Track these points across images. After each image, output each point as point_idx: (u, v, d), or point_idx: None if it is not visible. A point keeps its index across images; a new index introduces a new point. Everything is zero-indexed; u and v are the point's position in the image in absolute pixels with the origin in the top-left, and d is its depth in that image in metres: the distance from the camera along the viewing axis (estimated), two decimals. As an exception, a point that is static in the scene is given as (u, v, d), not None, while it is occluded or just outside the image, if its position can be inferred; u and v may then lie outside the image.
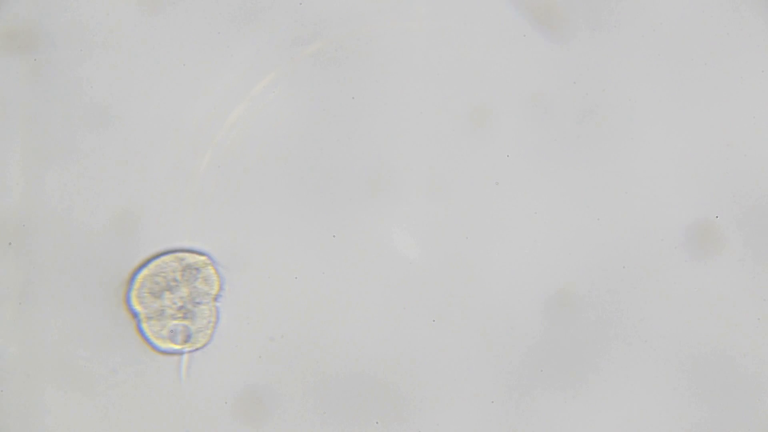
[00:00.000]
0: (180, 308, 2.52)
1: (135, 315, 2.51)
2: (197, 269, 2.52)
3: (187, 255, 2.52)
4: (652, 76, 2.59)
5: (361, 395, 2.57)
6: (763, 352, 2.55)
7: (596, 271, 2.57)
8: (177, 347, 2.51)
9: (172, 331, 2.48)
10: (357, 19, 2.61)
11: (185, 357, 2.48)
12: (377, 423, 2.56)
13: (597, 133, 2.60)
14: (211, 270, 2.53)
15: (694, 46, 2.59)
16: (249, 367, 2.57)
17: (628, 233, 2.58)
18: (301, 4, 2.62)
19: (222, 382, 2.56)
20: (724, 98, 2.59)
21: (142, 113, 2.60)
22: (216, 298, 2.53)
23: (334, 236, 2.59)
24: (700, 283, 2.56)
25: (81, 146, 2.60)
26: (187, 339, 2.49)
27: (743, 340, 2.55)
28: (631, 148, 2.59)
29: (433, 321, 2.58)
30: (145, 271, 2.52)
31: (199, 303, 2.52)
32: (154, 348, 2.51)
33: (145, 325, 2.51)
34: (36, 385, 2.55)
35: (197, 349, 2.51)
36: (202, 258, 2.53)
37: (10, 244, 2.57)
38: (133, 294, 2.52)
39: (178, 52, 2.60)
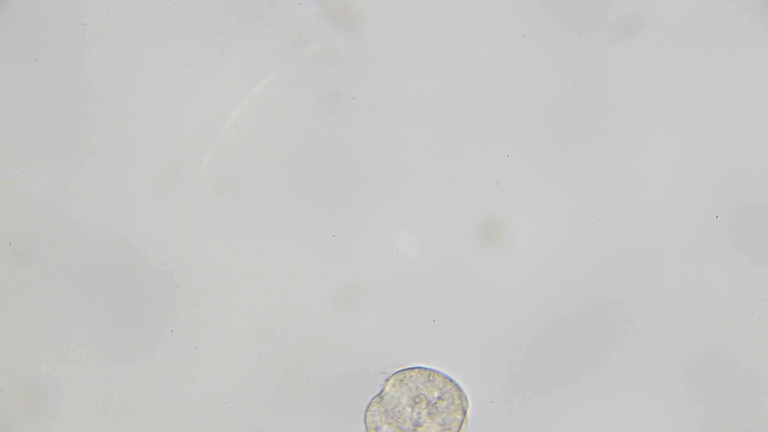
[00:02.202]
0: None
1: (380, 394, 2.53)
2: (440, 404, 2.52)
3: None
4: (652, 76, 2.59)
5: (361, 395, 2.57)
6: (763, 352, 2.55)
7: (596, 271, 2.57)
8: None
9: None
10: (357, 19, 2.61)
11: None
12: (377, 423, 2.56)
13: (597, 133, 2.59)
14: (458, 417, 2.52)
15: (693, 46, 2.59)
16: (249, 366, 2.57)
17: (628, 233, 2.58)
18: (301, 4, 2.62)
19: (222, 382, 2.57)
20: (724, 98, 2.59)
21: (142, 113, 2.60)
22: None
23: (334, 236, 2.59)
24: (701, 283, 2.56)
25: (80, 146, 2.60)
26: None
27: (743, 340, 2.55)
28: (631, 148, 2.59)
29: (433, 321, 2.58)
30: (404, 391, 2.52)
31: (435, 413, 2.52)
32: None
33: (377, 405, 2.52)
34: (36, 385, 2.55)
35: None
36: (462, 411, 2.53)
37: (10, 244, 2.57)
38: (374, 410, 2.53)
39: (178, 52, 2.61)
